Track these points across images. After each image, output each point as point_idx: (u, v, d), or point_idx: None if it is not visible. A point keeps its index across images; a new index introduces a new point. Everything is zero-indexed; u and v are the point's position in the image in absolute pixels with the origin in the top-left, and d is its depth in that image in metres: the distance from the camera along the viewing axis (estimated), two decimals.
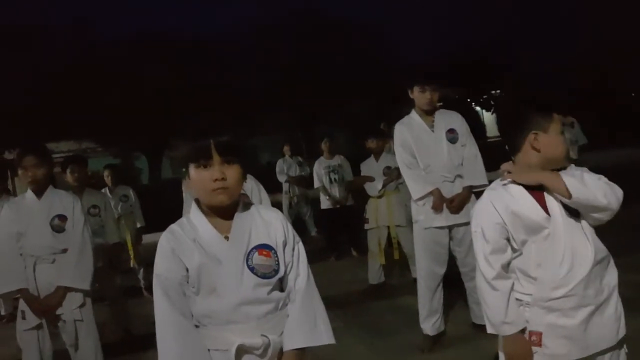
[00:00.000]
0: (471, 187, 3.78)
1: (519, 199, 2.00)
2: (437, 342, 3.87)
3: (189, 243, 1.74)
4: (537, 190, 2.00)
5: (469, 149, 3.86)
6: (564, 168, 2.04)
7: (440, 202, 3.77)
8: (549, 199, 1.98)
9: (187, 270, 1.72)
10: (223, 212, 1.77)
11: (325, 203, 7.26)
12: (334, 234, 7.40)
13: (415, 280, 5.27)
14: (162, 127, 17.27)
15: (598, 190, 1.89)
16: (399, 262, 5.73)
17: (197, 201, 1.81)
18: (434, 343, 3.85)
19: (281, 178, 8.36)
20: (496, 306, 2.01)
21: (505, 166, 2.06)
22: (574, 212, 1.96)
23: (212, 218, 1.77)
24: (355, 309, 4.84)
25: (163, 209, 8.83)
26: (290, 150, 8.56)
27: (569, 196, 1.88)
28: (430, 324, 3.86)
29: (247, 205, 1.84)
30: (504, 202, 2.01)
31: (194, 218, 1.79)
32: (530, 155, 2.02)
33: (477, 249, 2.07)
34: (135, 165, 20.94)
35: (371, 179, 5.69)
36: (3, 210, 3.45)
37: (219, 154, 1.70)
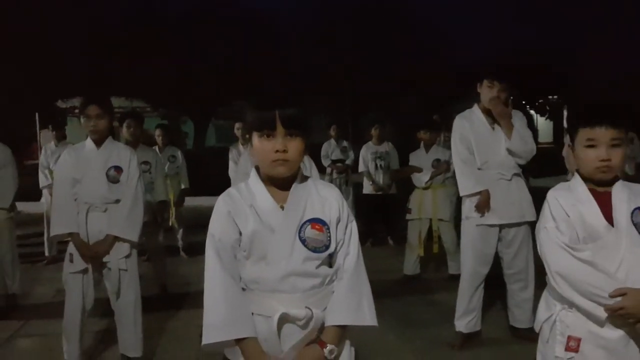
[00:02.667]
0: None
1: (584, 201, 1.99)
2: (469, 341, 3.84)
3: (245, 208, 1.76)
4: (604, 195, 1.98)
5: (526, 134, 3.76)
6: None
7: (485, 204, 3.72)
8: (618, 209, 1.95)
9: (241, 234, 1.75)
10: (281, 182, 1.78)
11: (367, 188, 7.25)
12: (372, 220, 7.38)
13: (451, 276, 5.28)
14: (212, 94, 17.47)
15: None
16: (436, 257, 5.70)
17: (257, 169, 1.83)
18: (466, 341, 3.82)
19: (325, 162, 8.34)
20: (589, 272, 1.92)
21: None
22: None
23: (270, 187, 1.79)
24: (388, 298, 4.82)
25: (204, 175, 9.00)
26: (337, 133, 8.51)
27: None
28: (465, 322, 3.82)
29: (305, 178, 1.85)
30: (570, 200, 2.00)
31: (252, 185, 1.81)
32: (572, 164, 2.12)
33: (547, 244, 2.01)
34: (181, 129, 21.29)
35: (419, 170, 5.64)
36: (62, 155, 3.57)
37: (283, 126, 1.70)
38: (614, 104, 2.12)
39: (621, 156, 1.96)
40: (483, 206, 3.73)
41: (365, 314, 1.77)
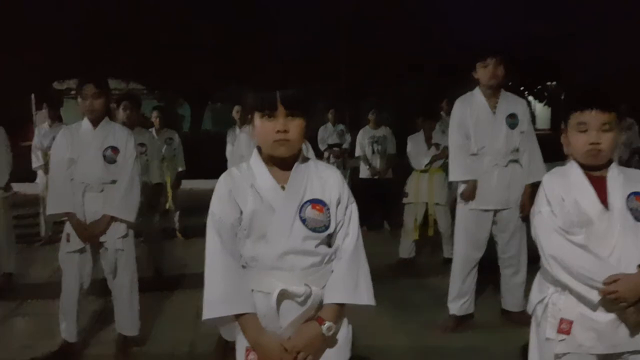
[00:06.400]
0: (534, 183, 3.67)
1: (579, 185, 2.00)
2: (462, 324, 3.88)
3: (246, 187, 1.77)
4: (599, 180, 2.00)
5: (530, 140, 3.80)
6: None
7: (471, 194, 3.76)
8: (613, 194, 1.97)
9: (241, 213, 1.76)
10: (282, 162, 1.80)
11: (364, 172, 7.27)
12: (368, 205, 7.38)
13: (446, 260, 5.31)
14: (209, 77, 17.35)
15: None
16: (431, 240, 5.74)
17: (259, 149, 1.84)
18: (459, 324, 3.87)
19: (322, 146, 8.34)
20: (581, 256, 1.94)
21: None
22: None
23: (271, 167, 1.80)
24: (382, 281, 4.79)
25: (200, 158, 8.98)
26: (334, 118, 8.50)
27: None
28: (458, 305, 3.86)
29: (306, 159, 1.86)
30: (565, 184, 2.02)
31: (253, 165, 1.82)
32: (566, 149, 2.09)
33: (541, 228, 2.03)
34: (178, 112, 21.16)
35: (422, 148, 5.63)
36: (58, 135, 3.56)
37: (284, 107, 1.71)
38: (606, 89, 2.13)
39: (612, 140, 1.97)
40: (467, 196, 3.78)
41: (363, 294, 1.79)
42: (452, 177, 3.90)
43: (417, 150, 5.69)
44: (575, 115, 2.01)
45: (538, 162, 3.78)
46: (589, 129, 1.97)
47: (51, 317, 3.65)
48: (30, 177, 6.95)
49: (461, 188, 3.86)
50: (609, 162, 2.03)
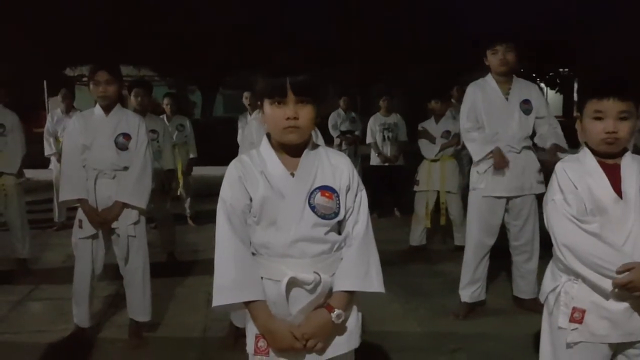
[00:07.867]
0: (557, 145, 3.58)
1: (592, 173, 1.98)
2: (473, 311, 3.88)
3: (256, 174, 1.77)
4: (612, 168, 1.97)
5: (550, 121, 3.75)
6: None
7: (501, 160, 3.65)
8: (627, 181, 1.95)
9: (251, 199, 1.76)
10: (292, 149, 1.79)
11: (375, 160, 7.24)
12: (379, 192, 7.37)
13: (457, 247, 5.30)
14: (221, 63, 17.35)
15: None
16: (442, 228, 5.73)
17: (269, 136, 1.83)
18: (470, 311, 3.86)
19: (333, 132, 8.32)
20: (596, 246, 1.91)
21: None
22: None
23: (281, 154, 1.79)
24: (393, 268, 4.83)
25: (211, 145, 8.99)
26: (346, 105, 8.47)
27: None
28: (469, 292, 3.85)
29: (316, 146, 1.85)
30: (578, 172, 1.99)
31: (263, 151, 1.81)
32: (580, 136, 2.06)
33: (554, 216, 2.00)
34: (189, 98, 21.19)
35: (432, 138, 5.60)
36: (71, 121, 3.58)
37: (293, 93, 1.70)
38: (624, 76, 2.08)
39: (629, 129, 1.94)
40: (499, 162, 3.64)
41: (373, 281, 1.79)
42: (476, 156, 3.79)
43: (427, 138, 5.66)
44: (592, 103, 1.97)
45: (560, 135, 3.70)
46: (605, 118, 1.94)
47: (64, 302, 3.70)
48: (44, 163, 7.00)
49: (474, 174, 3.83)
50: (623, 150, 2.01)
